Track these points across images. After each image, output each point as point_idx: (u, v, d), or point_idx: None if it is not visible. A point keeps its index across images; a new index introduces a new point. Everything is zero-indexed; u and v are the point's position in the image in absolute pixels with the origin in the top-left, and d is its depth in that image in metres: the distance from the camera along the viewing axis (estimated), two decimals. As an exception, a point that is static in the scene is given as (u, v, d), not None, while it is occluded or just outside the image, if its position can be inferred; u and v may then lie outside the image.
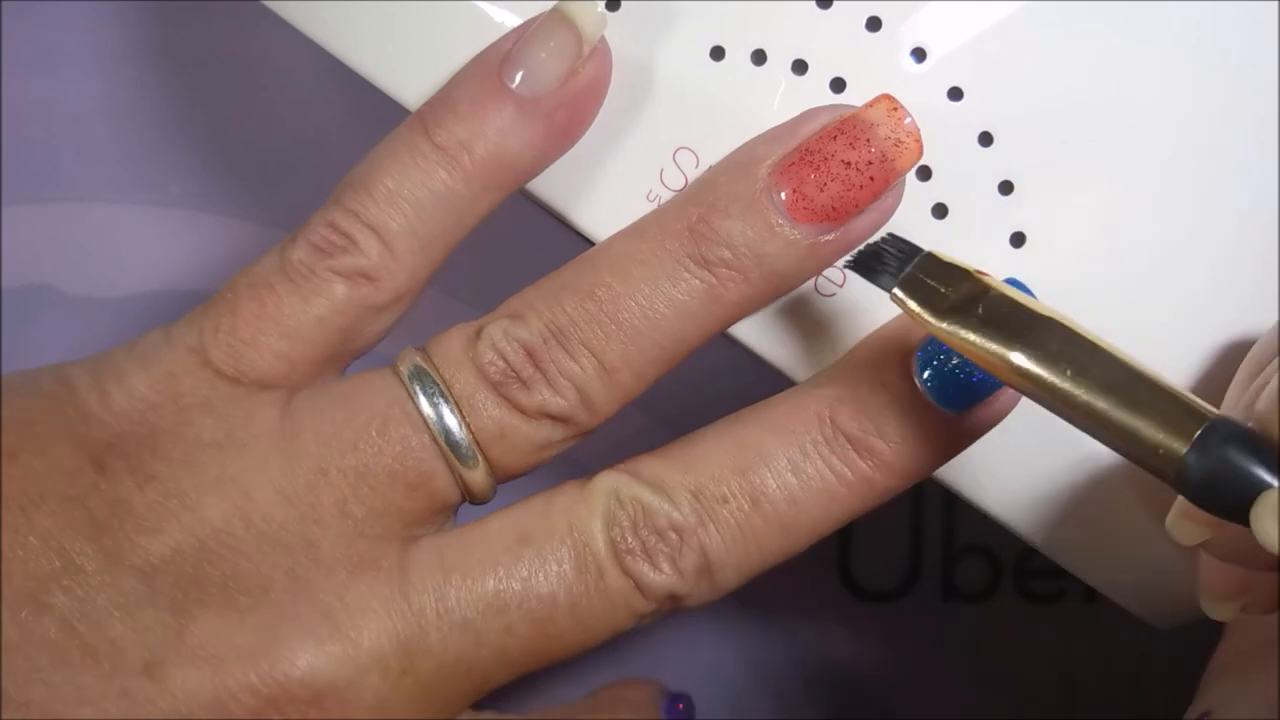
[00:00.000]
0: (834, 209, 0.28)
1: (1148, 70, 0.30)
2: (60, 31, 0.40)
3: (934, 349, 0.28)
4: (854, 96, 0.29)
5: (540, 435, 0.28)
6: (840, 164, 0.28)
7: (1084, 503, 0.31)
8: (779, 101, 0.30)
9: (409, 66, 0.30)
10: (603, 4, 0.29)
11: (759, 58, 0.30)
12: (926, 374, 0.28)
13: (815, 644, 0.41)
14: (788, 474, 0.28)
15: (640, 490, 0.28)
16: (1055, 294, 0.30)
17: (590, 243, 0.31)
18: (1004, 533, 0.31)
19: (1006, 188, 0.30)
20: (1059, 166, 0.30)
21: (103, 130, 0.40)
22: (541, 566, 0.28)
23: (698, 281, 0.28)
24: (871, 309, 0.30)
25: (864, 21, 0.29)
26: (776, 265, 0.28)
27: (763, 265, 0.28)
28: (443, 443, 0.28)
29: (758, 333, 0.30)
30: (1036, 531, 0.31)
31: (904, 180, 0.28)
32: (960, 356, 0.27)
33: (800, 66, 0.30)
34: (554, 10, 0.28)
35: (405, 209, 0.28)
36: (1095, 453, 0.30)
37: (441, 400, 0.28)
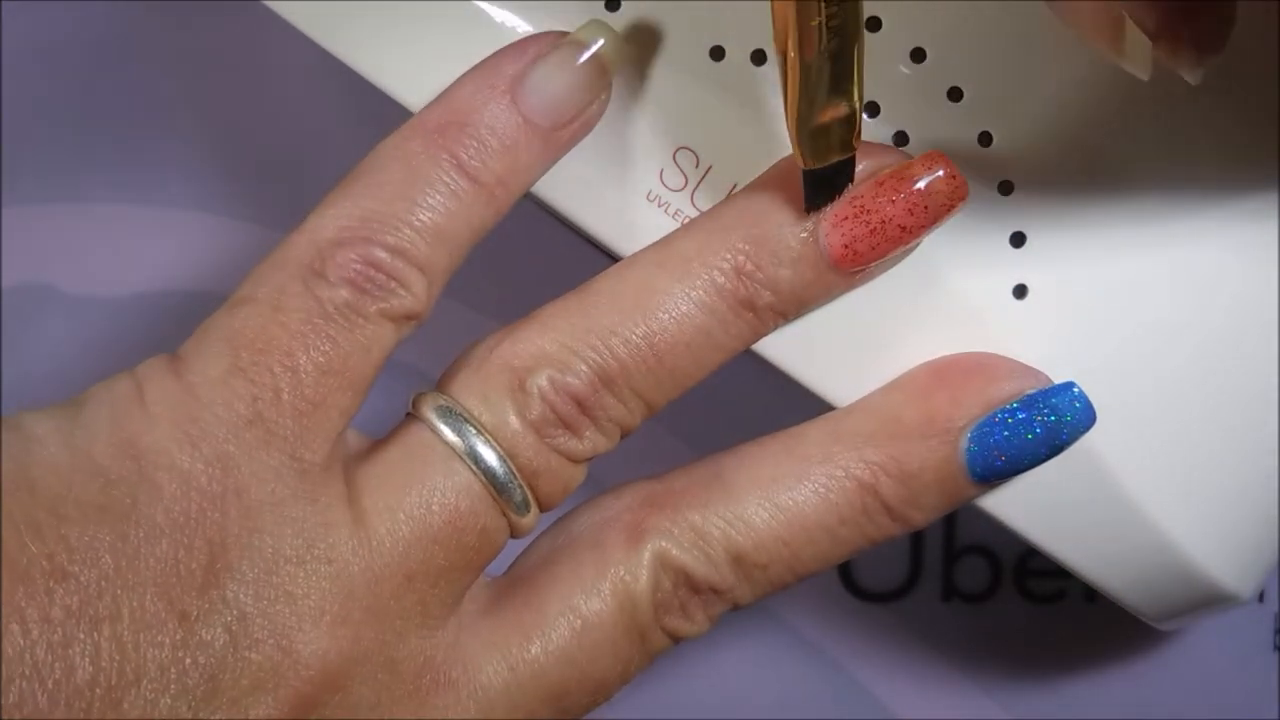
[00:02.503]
0: (877, 255, 0.28)
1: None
2: (60, 31, 0.40)
3: (987, 436, 0.29)
4: (854, 96, 0.29)
5: (583, 474, 0.29)
6: (897, 228, 0.28)
7: (1084, 503, 0.31)
8: (779, 101, 0.30)
9: (409, 67, 0.30)
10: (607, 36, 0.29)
11: (759, 58, 0.30)
12: (975, 464, 0.29)
13: (815, 644, 0.41)
14: (825, 544, 0.29)
15: (684, 556, 0.28)
16: (1055, 294, 0.30)
17: (589, 241, 0.31)
18: (1004, 533, 0.31)
19: (1006, 188, 0.30)
20: (1059, 166, 0.30)
21: (103, 130, 0.40)
22: (603, 650, 0.28)
23: (745, 325, 0.28)
24: (873, 308, 0.30)
25: (864, 22, 0.29)
26: (813, 300, 0.29)
27: (800, 302, 0.29)
28: (511, 514, 0.28)
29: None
30: (1036, 531, 0.31)
31: None
32: (1010, 452, 0.29)
33: (800, 66, 0.29)
34: (580, 42, 0.28)
35: (444, 243, 0.28)
36: (1095, 452, 0.30)
37: (512, 478, 0.28)
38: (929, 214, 0.28)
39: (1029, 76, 0.29)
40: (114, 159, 0.40)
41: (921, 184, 0.28)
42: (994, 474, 0.29)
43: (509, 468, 0.27)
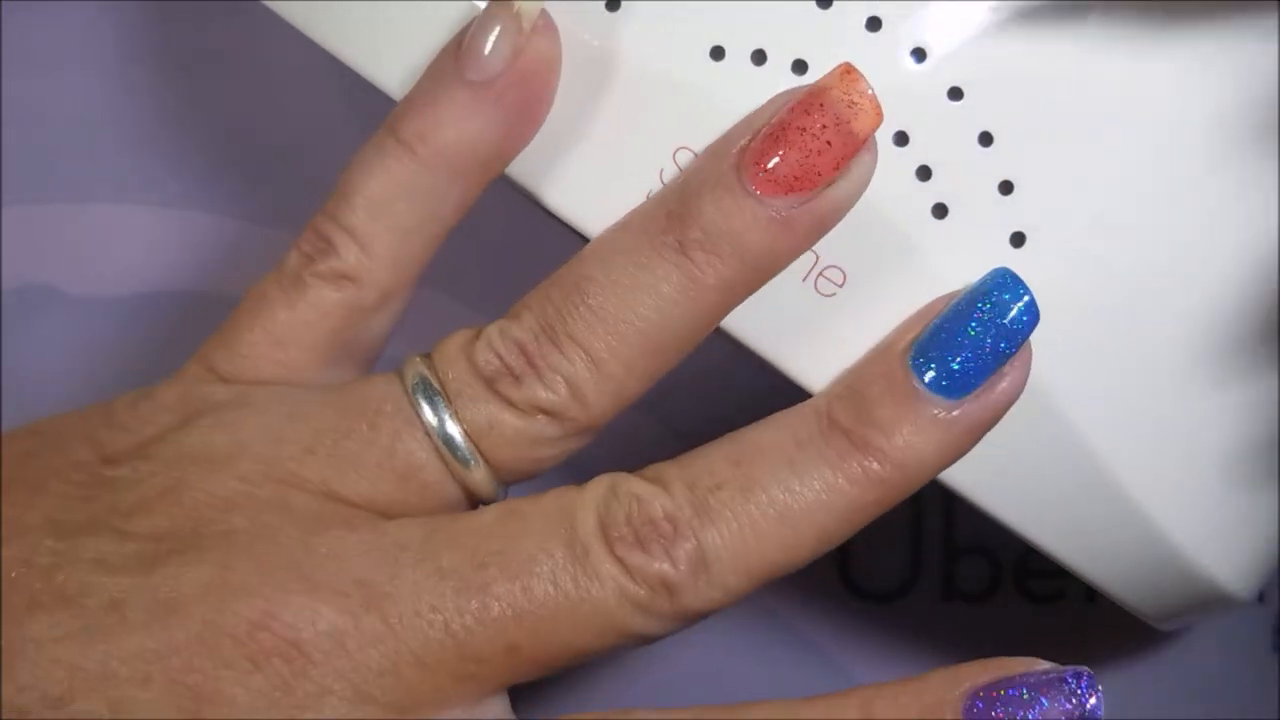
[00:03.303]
0: (796, 178, 0.28)
1: (1149, 69, 0.30)
2: (60, 31, 0.40)
3: (930, 338, 0.28)
4: (854, 96, 0.29)
5: (533, 430, 0.28)
6: (796, 131, 0.28)
7: (1084, 502, 0.31)
8: (779, 101, 0.30)
9: (409, 66, 0.30)
10: None
11: (759, 58, 0.30)
12: (919, 360, 0.28)
13: (815, 644, 0.41)
14: (782, 467, 0.28)
15: (634, 483, 0.28)
16: (1055, 294, 0.30)
17: (588, 241, 0.31)
18: (1004, 533, 0.31)
19: (1006, 188, 0.30)
20: (1059, 166, 0.30)
21: (103, 130, 0.40)
22: (525, 533, 0.28)
23: (673, 267, 0.28)
24: (872, 307, 0.30)
25: (864, 21, 0.29)
26: (748, 242, 0.28)
27: (735, 244, 0.28)
28: (436, 438, 0.28)
29: (758, 332, 0.30)
30: (1036, 531, 0.31)
31: (874, 147, 0.28)
32: (959, 349, 0.28)
33: (800, 66, 0.30)
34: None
35: (376, 208, 0.29)
36: (1095, 452, 0.30)
37: (435, 396, 0.28)
38: (825, 112, 0.28)
39: (1030, 76, 0.30)
40: (114, 159, 0.40)
41: (815, 85, 0.28)
42: (940, 370, 0.28)
43: (433, 385, 0.28)
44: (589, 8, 0.29)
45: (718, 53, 0.30)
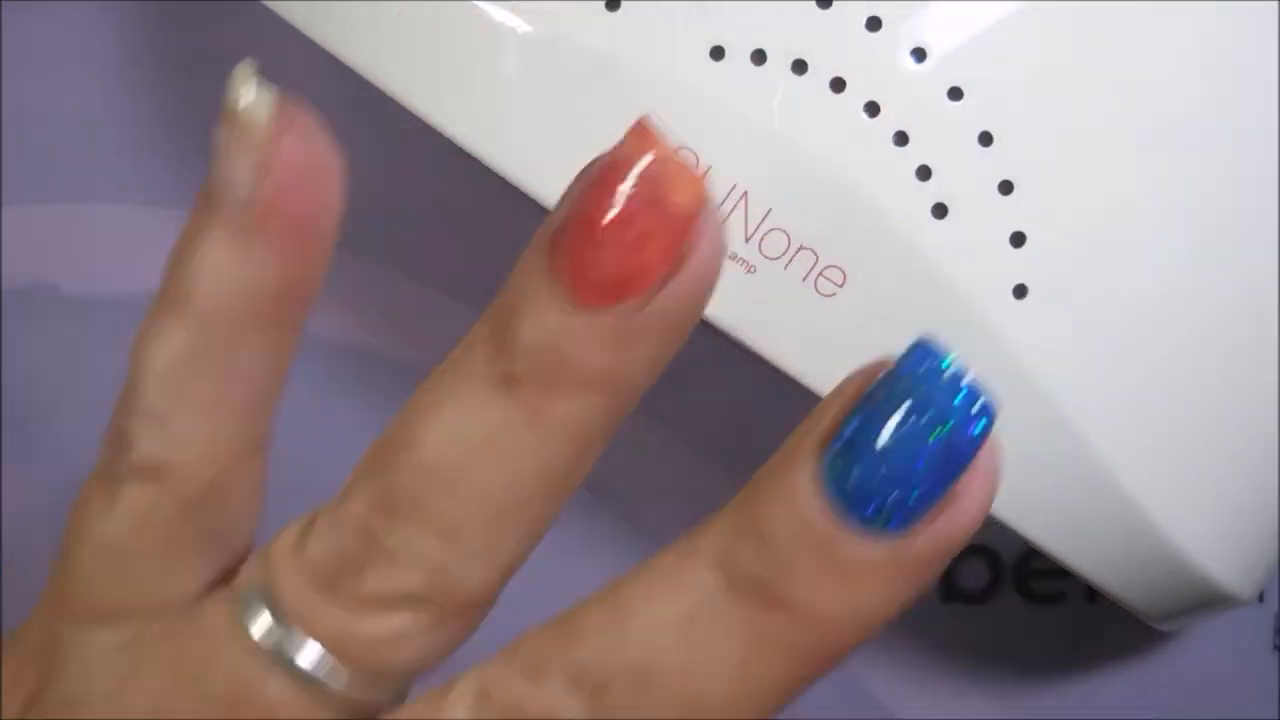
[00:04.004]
0: (623, 280, 0.21)
1: (1149, 69, 0.30)
2: (60, 31, 0.40)
3: (846, 455, 0.21)
4: (854, 96, 0.29)
5: (396, 627, 0.23)
6: (602, 225, 0.21)
7: (1085, 502, 0.31)
8: (779, 101, 0.30)
9: (409, 67, 0.30)
10: (254, 86, 0.24)
11: (759, 58, 0.30)
12: (836, 488, 0.21)
13: (815, 644, 0.40)
14: (680, 650, 0.22)
15: (511, 679, 0.22)
16: (1054, 294, 0.30)
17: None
18: (1004, 533, 0.31)
19: (1006, 188, 0.30)
20: (1059, 166, 0.30)
21: (103, 130, 0.40)
22: None
23: (502, 411, 0.22)
24: (872, 307, 0.30)
25: (864, 21, 0.29)
26: (589, 364, 0.22)
27: (571, 370, 0.22)
28: (283, 663, 0.23)
29: (758, 332, 0.30)
30: (1036, 531, 0.31)
31: (714, 215, 0.21)
32: (886, 468, 0.21)
33: (800, 66, 0.30)
34: (227, 111, 0.24)
35: (164, 386, 0.24)
36: (1095, 452, 0.30)
37: (270, 617, 0.23)
38: (627, 192, 0.21)
39: (1030, 75, 0.30)
40: (114, 159, 0.40)
41: (609, 161, 0.21)
42: (866, 502, 0.21)
43: (268, 604, 0.23)
44: (589, 8, 0.29)
45: (718, 53, 0.30)
